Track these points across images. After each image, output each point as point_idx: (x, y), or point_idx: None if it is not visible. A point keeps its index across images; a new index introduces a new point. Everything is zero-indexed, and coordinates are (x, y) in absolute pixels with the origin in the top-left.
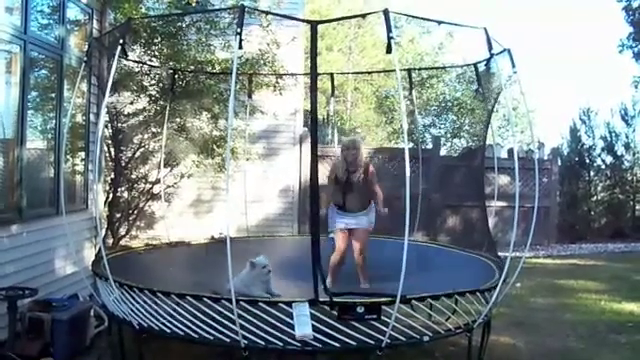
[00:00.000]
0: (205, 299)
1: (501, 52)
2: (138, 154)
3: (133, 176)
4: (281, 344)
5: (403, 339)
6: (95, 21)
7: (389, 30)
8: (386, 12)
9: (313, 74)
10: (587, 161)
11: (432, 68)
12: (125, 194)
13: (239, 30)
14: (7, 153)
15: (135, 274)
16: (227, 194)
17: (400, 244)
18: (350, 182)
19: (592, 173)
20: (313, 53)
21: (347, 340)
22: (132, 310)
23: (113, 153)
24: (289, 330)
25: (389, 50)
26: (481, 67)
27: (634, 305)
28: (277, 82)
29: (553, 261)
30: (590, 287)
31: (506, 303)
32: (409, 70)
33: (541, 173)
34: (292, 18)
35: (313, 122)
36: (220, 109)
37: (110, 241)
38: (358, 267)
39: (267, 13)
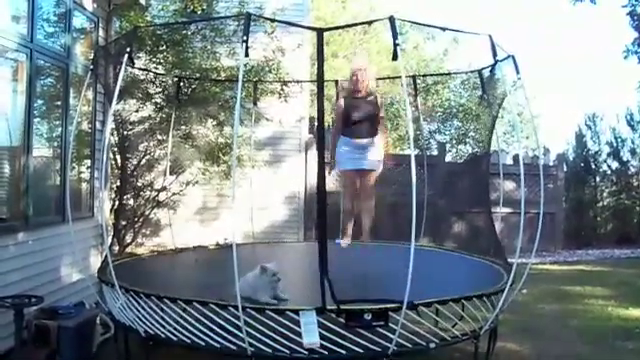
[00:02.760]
0: (212, 305)
1: (505, 58)
2: (144, 162)
3: (139, 184)
4: (288, 352)
5: (410, 346)
6: (101, 29)
7: (395, 37)
8: (392, 19)
9: (319, 81)
10: (593, 167)
11: (437, 74)
12: (131, 202)
13: (245, 38)
14: (14, 161)
15: (141, 281)
16: (233, 201)
17: (406, 250)
18: (356, 105)
19: (598, 179)
20: (319, 60)
21: (354, 347)
22: (138, 317)
23: (119, 161)
24: (296, 338)
25: (395, 57)
26: (486, 73)
27: None
28: (282, 89)
29: (559, 267)
30: (597, 293)
31: (512, 309)
32: (414, 76)
33: (547, 179)
34: (298, 25)
35: (319, 129)
36: (226, 116)
37: (116, 248)
38: (363, 226)
39: (273, 20)
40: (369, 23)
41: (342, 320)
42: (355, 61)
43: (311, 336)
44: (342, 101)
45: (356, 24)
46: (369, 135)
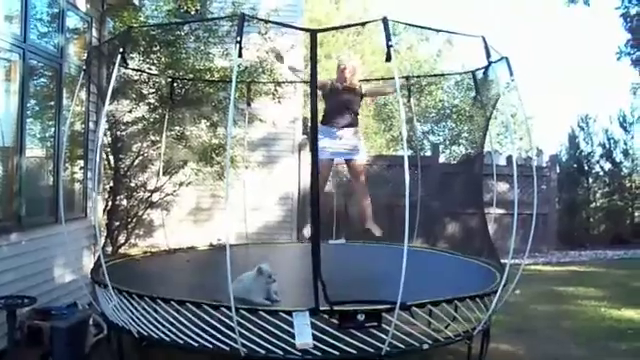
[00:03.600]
0: (205, 306)
1: (499, 60)
2: (137, 162)
3: (132, 184)
4: (281, 353)
5: (403, 347)
6: (94, 29)
7: (388, 38)
8: (385, 20)
9: (313, 82)
10: (586, 168)
11: (430, 75)
12: (124, 202)
13: (239, 39)
14: (6, 161)
15: (134, 281)
16: (226, 202)
17: (399, 250)
18: (338, 94)
19: (591, 180)
20: (313, 61)
21: (347, 348)
22: (131, 318)
23: (112, 161)
24: (289, 339)
25: (388, 58)
26: (479, 75)
27: (634, 312)
28: (276, 90)
29: (552, 268)
30: (590, 294)
31: (505, 311)
32: (407, 77)
33: (540, 180)
34: (292, 27)
35: (313, 130)
36: (219, 117)
37: (109, 249)
38: (363, 213)
39: (267, 22)
40: (363, 24)
41: (335, 321)
42: (343, 56)
43: (304, 337)
44: (328, 82)
45: (350, 25)
46: (348, 124)
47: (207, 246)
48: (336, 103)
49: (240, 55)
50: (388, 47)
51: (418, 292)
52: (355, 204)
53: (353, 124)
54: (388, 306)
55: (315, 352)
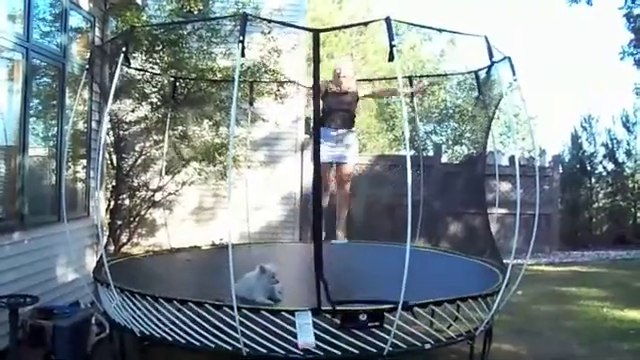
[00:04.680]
0: (207, 305)
1: (502, 60)
2: (140, 161)
3: (134, 183)
4: (283, 352)
5: (405, 347)
6: (97, 29)
7: (391, 38)
8: (388, 20)
9: (315, 82)
10: (588, 168)
11: (433, 75)
12: (127, 201)
13: (241, 38)
14: (9, 160)
15: (137, 281)
16: (229, 201)
17: (401, 250)
18: (334, 97)
19: (593, 180)
20: (315, 61)
21: (349, 348)
22: (133, 317)
23: (115, 160)
24: (291, 338)
25: (391, 58)
26: (482, 75)
27: (636, 312)
28: (279, 90)
29: (555, 268)
30: (592, 294)
31: (508, 311)
32: (410, 77)
33: (542, 180)
34: (294, 26)
35: (315, 129)
36: (222, 117)
37: (112, 248)
38: (338, 220)
39: (269, 21)
40: (365, 24)
41: (337, 321)
42: (339, 61)
43: (306, 336)
44: (324, 84)
45: (352, 25)
46: (343, 127)
47: (209, 245)
48: (332, 105)
49: (243, 55)
50: (391, 47)
51: (420, 292)
52: (356, 204)
53: (348, 125)
54: (390, 306)
55: (317, 352)
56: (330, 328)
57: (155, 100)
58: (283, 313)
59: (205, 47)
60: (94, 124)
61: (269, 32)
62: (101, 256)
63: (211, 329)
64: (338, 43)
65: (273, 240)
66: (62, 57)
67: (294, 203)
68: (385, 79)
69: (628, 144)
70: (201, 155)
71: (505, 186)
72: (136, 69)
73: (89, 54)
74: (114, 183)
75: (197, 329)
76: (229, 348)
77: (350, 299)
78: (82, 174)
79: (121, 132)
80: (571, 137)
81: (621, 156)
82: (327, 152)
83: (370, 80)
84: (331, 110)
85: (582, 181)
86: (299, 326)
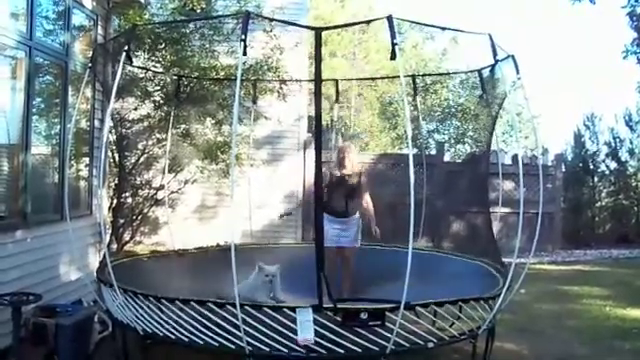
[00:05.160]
0: (209, 304)
1: (505, 58)
2: (142, 160)
3: (137, 182)
4: (286, 350)
5: (408, 345)
6: (100, 27)
7: (393, 36)
8: (390, 18)
9: (317, 80)
10: (591, 167)
11: (436, 74)
12: (129, 200)
13: (244, 37)
14: (12, 158)
15: (139, 280)
16: (232, 200)
17: (404, 251)
18: (338, 182)
19: (596, 179)
20: (317, 60)
21: (352, 346)
22: (136, 316)
23: (117, 159)
24: (294, 336)
25: (393, 56)
26: (485, 73)
27: (639, 311)
28: (281, 88)
29: (557, 267)
30: (594, 293)
31: (510, 309)
32: (413, 76)
33: (545, 179)
34: (296, 25)
35: (317, 128)
36: (224, 115)
37: (114, 247)
38: (344, 285)
39: (271, 20)
40: (367, 22)
41: (338, 319)
42: (340, 144)
43: (306, 332)
44: (327, 173)
45: (354, 23)
46: (350, 212)
47: (214, 246)
48: (338, 193)
49: (245, 53)
50: (393, 45)
51: (423, 294)
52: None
53: (354, 211)
54: (392, 305)
55: (320, 350)
56: (334, 327)
57: (158, 98)
58: (285, 310)
59: (207, 45)
60: (97, 122)
61: (271, 30)
62: (104, 256)
63: (214, 327)
64: (340, 41)
65: (275, 239)
66: (65, 55)
67: (296, 202)
68: (388, 78)
69: (631, 143)
70: (204, 153)
71: (508, 185)
72: (139, 67)
73: (92, 52)
74: (117, 181)
75: (200, 327)
76: (232, 346)
77: (351, 297)
78: (85, 172)
79: (124, 130)
80: (574, 136)
81: (624, 155)
82: (332, 237)
83: (373, 79)
84: (337, 198)
85: (585, 180)
86: (300, 322)
